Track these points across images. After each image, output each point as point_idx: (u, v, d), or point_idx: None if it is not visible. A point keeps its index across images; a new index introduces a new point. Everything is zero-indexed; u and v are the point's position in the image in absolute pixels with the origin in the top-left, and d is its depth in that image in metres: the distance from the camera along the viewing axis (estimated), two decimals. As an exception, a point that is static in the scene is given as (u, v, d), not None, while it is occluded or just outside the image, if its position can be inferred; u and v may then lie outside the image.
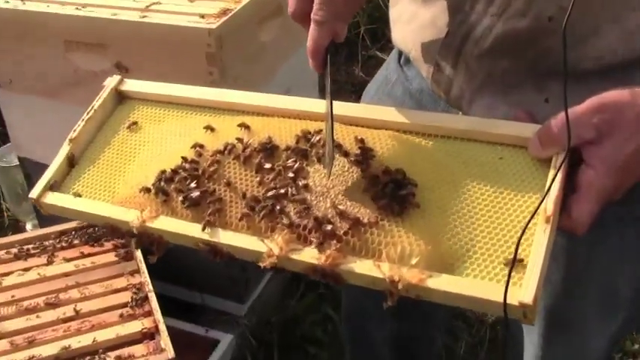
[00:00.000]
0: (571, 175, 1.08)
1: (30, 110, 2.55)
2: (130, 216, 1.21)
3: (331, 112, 1.15)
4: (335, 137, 1.20)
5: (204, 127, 1.29)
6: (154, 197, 1.21)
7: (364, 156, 1.16)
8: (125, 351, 1.94)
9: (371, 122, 1.23)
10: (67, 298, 2.11)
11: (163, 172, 1.23)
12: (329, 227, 1.09)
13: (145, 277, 2.16)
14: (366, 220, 1.09)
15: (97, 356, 1.92)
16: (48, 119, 2.46)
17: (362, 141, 1.18)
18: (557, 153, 1.08)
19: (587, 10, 1.13)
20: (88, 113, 1.36)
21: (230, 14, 2.15)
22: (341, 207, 1.11)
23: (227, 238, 1.14)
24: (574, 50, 1.15)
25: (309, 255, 1.09)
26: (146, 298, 2.09)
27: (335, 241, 1.08)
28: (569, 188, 1.08)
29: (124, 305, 2.09)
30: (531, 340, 1.53)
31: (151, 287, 2.12)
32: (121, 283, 2.17)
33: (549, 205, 1.04)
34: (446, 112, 1.36)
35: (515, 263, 0.99)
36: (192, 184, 1.20)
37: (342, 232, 1.08)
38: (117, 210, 1.23)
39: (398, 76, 1.52)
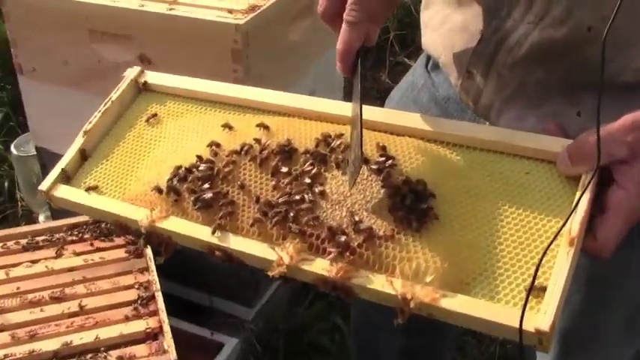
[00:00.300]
0: (600, 195, 1.02)
1: (51, 100, 2.52)
2: (140, 215, 1.17)
3: (361, 119, 1.10)
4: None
5: (222, 126, 1.24)
6: (165, 196, 1.17)
7: (385, 164, 1.10)
8: (127, 350, 1.90)
9: (394, 128, 1.18)
10: (73, 293, 2.07)
11: (177, 170, 1.19)
12: (343, 238, 1.04)
13: (153, 275, 2.11)
14: (381, 233, 1.04)
15: (98, 354, 1.88)
16: (69, 109, 2.42)
17: (383, 148, 1.13)
18: (587, 171, 1.02)
19: (631, 19, 1.07)
20: (105, 105, 1.32)
21: (259, 11, 2.11)
22: (356, 217, 1.06)
23: (237, 243, 1.10)
24: (614, 61, 1.09)
25: (320, 266, 1.04)
26: (153, 297, 2.04)
27: (348, 253, 1.03)
28: (597, 209, 1.02)
29: (130, 303, 2.04)
30: None
31: (158, 286, 2.07)
32: (128, 280, 2.12)
33: (574, 226, 0.98)
34: (472, 121, 1.31)
35: (533, 288, 0.93)
36: (206, 185, 1.16)
37: (356, 244, 1.03)
38: (127, 207, 1.20)
39: (424, 82, 1.46)
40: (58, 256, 2.22)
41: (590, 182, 0.98)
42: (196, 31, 2.10)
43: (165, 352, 1.88)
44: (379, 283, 1.01)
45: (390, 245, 1.03)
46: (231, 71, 2.08)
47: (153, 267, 2.15)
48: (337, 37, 1.14)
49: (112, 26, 2.24)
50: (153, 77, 1.36)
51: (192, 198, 1.15)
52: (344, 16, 1.11)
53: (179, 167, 1.19)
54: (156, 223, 1.15)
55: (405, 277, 1.00)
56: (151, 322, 1.97)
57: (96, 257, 2.21)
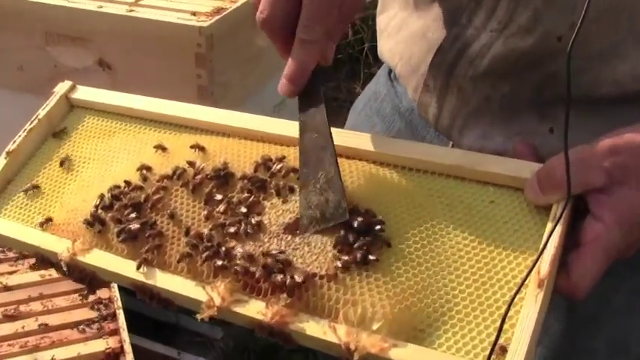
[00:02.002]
0: (575, 225, 0.86)
1: (5, 106, 2.33)
2: (61, 247, 1.01)
3: (333, 148, 0.95)
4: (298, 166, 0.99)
5: (155, 147, 1.08)
6: (88, 226, 1.01)
7: (330, 192, 0.95)
8: None
9: (343, 150, 1.01)
10: (28, 311, 1.91)
11: (102, 197, 1.03)
12: (279, 277, 0.88)
13: (114, 291, 1.96)
14: (323, 272, 0.88)
15: None
16: (24, 116, 2.24)
17: (329, 173, 0.97)
18: (558, 200, 0.87)
19: (605, 27, 0.92)
20: (31, 123, 1.16)
21: (224, 13, 1.96)
22: (296, 253, 0.90)
23: (163, 280, 0.94)
24: (589, 73, 0.94)
25: (255, 309, 0.88)
26: (114, 315, 1.89)
27: (285, 295, 0.87)
28: (571, 241, 0.86)
29: (89, 321, 1.88)
30: None
31: (119, 303, 1.91)
32: (88, 297, 1.97)
33: (544, 266, 0.82)
34: (438, 136, 1.14)
35: (496, 346, 0.77)
36: (133, 214, 1.00)
37: (293, 284, 0.87)
38: (47, 238, 1.03)
39: (387, 92, 1.29)
40: (13, 272, 2.06)
41: (561, 216, 0.83)
42: (158, 34, 1.95)
43: None
44: (320, 329, 0.85)
45: (332, 286, 0.87)
46: (194, 76, 1.93)
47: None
48: (279, 52, 0.98)
49: (69, 29, 2.09)
50: (85, 93, 1.20)
51: (116, 230, 0.99)
52: (298, 34, 0.94)
53: (105, 194, 1.03)
54: (77, 256, 1.00)
55: (350, 323, 0.84)
56: (112, 342, 1.82)
57: (53, 272, 2.00)
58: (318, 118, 0.98)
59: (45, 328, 1.86)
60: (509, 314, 0.81)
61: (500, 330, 0.77)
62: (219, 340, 2.41)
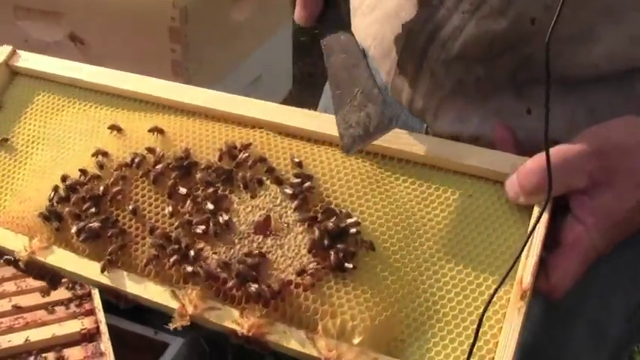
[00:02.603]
0: (554, 225, 0.83)
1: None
2: (17, 244, 0.94)
3: (367, 63, 0.91)
4: (267, 156, 0.93)
5: (110, 127, 1.00)
6: (45, 221, 0.94)
7: (301, 187, 0.89)
8: (61, 354, 1.69)
9: (314, 135, 0.95)
10: (1, 292, 1.84)
11: (57, 188, 0.96)
12: (254, 288, 0.84)
13: (89, 270, 1.88)
14: (299, 280, 0.84)
15: (28, 358, 1.67)
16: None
17: (299, 164, 0.91)
18: (539, 201, 0.83)
19: (581, 10, 0.85)
20: (-35, 95, 1.06)
21: (199, -15, 1.82)
22: (269, 258, 0.86)
23: (132, 285, 0.89)
24: (563, 56, 0.89)
25: (230, 317, 0.84)
26: (89, 295, 1.83)
27: (260, 306, 0.83)
28: (550, 240, 0.83)
29: (64, 302, 1.82)
30: None
31: None
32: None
33: (526, 277, 0.79)
34: (413, 115, 1.08)
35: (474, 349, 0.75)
36: (92, 209, 0.93)
37: (269, 294, 0.83)
38: (2, 234, 0.97)
39: None
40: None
41: (536, 224, 0.79)
42: (131, 7, 1.83)
43: (102, 354, 1.69)
44: (298, 342, 0.82)
45: (309, 296, 0.83)
46: (169, 51, 1.82)
47: None
48: None
49: (39, 2, 1.96)
50: (28, 60, 1.09)
51: (75, 228, 0.92)
52: None
53: (60, 184, 0.95)
54: (36, 255, 0.93)
55: (330, 335, 0.81)
56: (87, 322, 1.77)
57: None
58: (344, 38, 0.94)
59: (18, 309, 1.80)
60: (490, 322, 0.80)
61: (472, 348, 0.75)
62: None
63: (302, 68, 2.90)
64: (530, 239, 0.80)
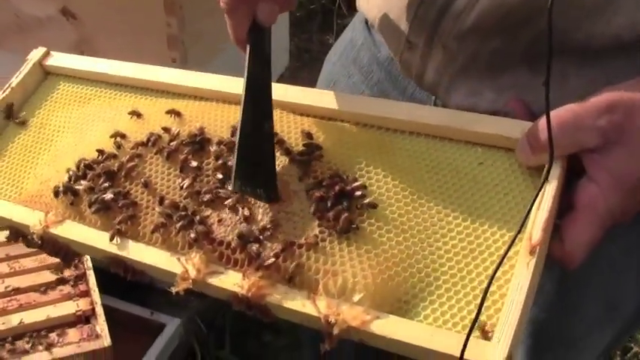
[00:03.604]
0: (569, 188, 0.78)
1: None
2: (33, 219, 0.94)
3: (244, 104, 0.88)
4: (279, 131, 0.91)
5: (130, 113, 1.00)
6: (62, 197, 0.94)
7: (309, 155, 0.87)
8: (55, 336, 1.63)
9: (322, 112, 0.93)
10: None
11: (75, 167, 0.95)
12: (255, 247, 0.81)
13: (85, 251, 1.83)
14: (302, 240, 0.80)
15: (22, 340, 1.61)
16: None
17: (309, 136, 0.89)
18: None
19: None
20: (4, 91, 1.08)
21: (194, -45, 1.79)
22: (273, 221, 0.83)
23: (137, 252, 0.87)
24: (583, 27, 0.85)
25: (232, 281, 0.81)
26: (84, 276, 1.76)
27: (262, 265, 0.80)
28: (565, 204, 0.78)
29: (58, 283, 1.75)
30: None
31: (89, 264, 1.78)
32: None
33: (535, 232, 0.74)
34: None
35: (478, 317, 0.69)
36: (106, 184, 0.92)
37: (271, 254, 0.80)
38: (20, 211, 0.96)
39: (364, 40, 1.18)
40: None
41: (546, 177, 0.75)
42: None
43: (98, 336, 1.62)
44: (299, 302, 0.78)
45: (312, 256, 0.79)
46: (164, 25, 1.75)
47: None
48: None
49: None
50: (59, 59, 1.12)
51: (89, 200, 0.91)
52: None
53: (78, 163, 0.95)
54: (50, 229, 0.92)
55: (330, 295, 0.77)
56: (82, 304, 1.70)
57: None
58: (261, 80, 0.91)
59: (12, 291, 1.73)
60: (499, 282, 0.74)
61: (481, 305, 0.70)
62: (193, 299, 2.22)
63: (298, 44, 2.82)
64: (541, 193, 0.76)
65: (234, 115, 0.95)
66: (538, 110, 0.87)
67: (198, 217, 0.85)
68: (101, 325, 1.65)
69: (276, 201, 0.85)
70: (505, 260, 0.75)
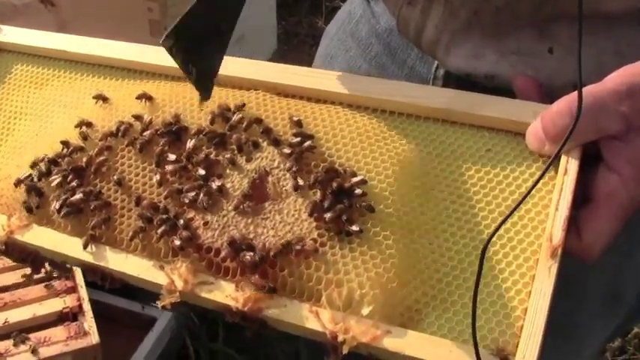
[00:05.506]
0: (584, 177, 0.71)
1: None
2: (-5, 223, 0.83)
3: None
4: (264, 117, 0.81)
5: (94, 97, 0.89)
6: (25, 197, 0.83)
7: (301, 146, 0.77)
8: (42, 334, 1.56)
9: (311, 93, 0.83)
10: None
11: (37, 163, 0.84)
12: (249, 256, 0.72)
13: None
14: (300, 247, 0.72)
15: (7, 340, 1.54)
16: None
17: (298, 123, 0.79)
18: (568, 149, 0.71)
19: None
20: (-53, 74, 0.96)
21: None
22: (266, 224, 0.74)
23: (116, 261, 0.77)
24: None
25: (224, 292, 0.72)
26: (70, 271, 1.65)
27: (257, 276, 0.71)
28: (580, 195, 0.71)
29: (44, 279, 1.66)
30: None
31: None
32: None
33: (556, 232, 0.67)
34: (420, 59, 0.97)
35: (476, 330, 0.62)
36: (74, 182, 0.82)
37: (267, 263, 0.71)
38: (-21, 213, 0.86)
39: (363, 12, 1.08)
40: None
41: (548, 166, 0.67)
42: None
43: (85, 334, 1.56)
44: (300, 315, 0.70)
45: (312, 264, 0.71)
46: (145, 10, 1.67)
47: None
48: None
49: None
50: (11, 34, 0.99)
51: (56, 203, 0.81)
52: None
53: (41, 159, 0.84)
54: (15, 234, 0.82)
55: (335, 307, 0.69)
56: (69, 300, 1.62)
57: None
58: None
59: None
60: (518, 287, 0.67)
61: (474, 312, 0.63)
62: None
63: (286, 28, 2.73)
64: (560, 188, 0.68)
65: (211, 97, 0.85)
66: (543, 79, 0.80)
67: (181, 221, 0.76)
68: (89, 321, 1.58)
69: (207, 99, 0.78)
70: (522, 261, 0.68)
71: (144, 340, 1.82)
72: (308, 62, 1.19)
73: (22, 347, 1.53)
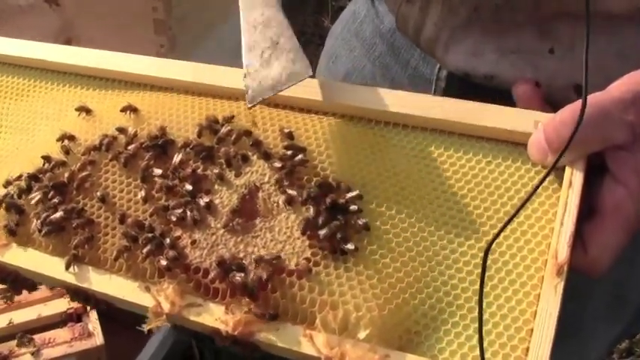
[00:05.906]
0: (589, 189, 0.67)
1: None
2: (-28, 242, 0.79)
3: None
4: (253, 129, 0.78)
5: (77, 109, 0.85)
6: (4, 215, 0.79)
7: (292, 160, 0.74)
8: (46, 335, 1.53)
9: (303, 103, 0.80)
10: None
11: (17, 178, 0.81)
12: (238, 277, 0.68)
13: (75, 246, 1.71)
14: (293, 266, 0.68)
15: (12, 341, 1.51)
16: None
17: (290, 135, 0.76)
18: (572, 161, 0.67)
19: None
20: None
21: None
22: (257, 242, 0.70)
23: (99, 282, 0.73)
24: None
25: (213, 315, 0.69)
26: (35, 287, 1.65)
27: (247, 299, 0.68)
28: (585, 207, 0.67)
29: None
30: None
31: None
32: None
33: (561, 249, 0.64)
34: (424, 60, 0.94)
35: (483, 349, 0.59)
36: (56, 199, 0.78)
37: (257, 285, 0.68)
38: (-44, 232, 0.82)
39: (367, 12, 1.06)
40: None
41: (545, 175, 0.63)
42: None
43: (90, 335, 1.53)
44: (294, 339, 0.66)
45: (305, 285, 0.67)
46: (150, 9, 1.63)
47: None
48: None
49: None
50: (-13, 43, 0.95)
51: (36, 221, 0.77)
52: None
53: (15, 178, 0.80)
54: (-6, 254, 0.78)
55: (330, 330, 0.65)
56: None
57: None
58: None
59: (1, 289, 1.62)
60: (522, 307, 0.64)
61: (480, 335, 0.59)
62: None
63: (292, 27, 2.70)
64: (564, 202, 0.64)
65: (198, 109, 0.81)
66: (543, 80, 0.77)
67: (168, 240, 0.72)
68: (93, 322, 1.56)
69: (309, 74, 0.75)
70: (525, 279, 0.65)
71: (148, 341, 1.79)
72: (314, 62, 1.16)
73: (26, 349, 1.51)
